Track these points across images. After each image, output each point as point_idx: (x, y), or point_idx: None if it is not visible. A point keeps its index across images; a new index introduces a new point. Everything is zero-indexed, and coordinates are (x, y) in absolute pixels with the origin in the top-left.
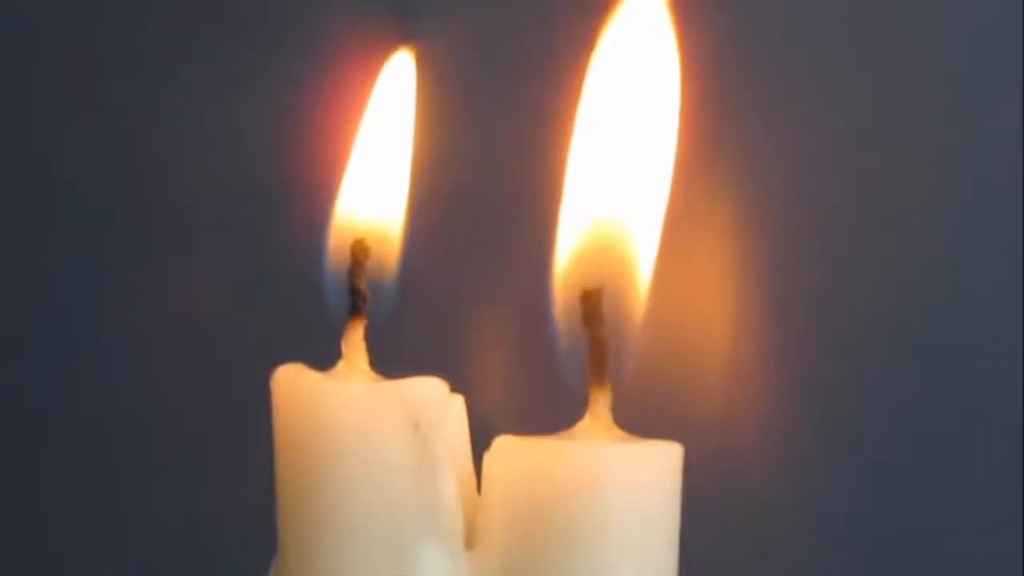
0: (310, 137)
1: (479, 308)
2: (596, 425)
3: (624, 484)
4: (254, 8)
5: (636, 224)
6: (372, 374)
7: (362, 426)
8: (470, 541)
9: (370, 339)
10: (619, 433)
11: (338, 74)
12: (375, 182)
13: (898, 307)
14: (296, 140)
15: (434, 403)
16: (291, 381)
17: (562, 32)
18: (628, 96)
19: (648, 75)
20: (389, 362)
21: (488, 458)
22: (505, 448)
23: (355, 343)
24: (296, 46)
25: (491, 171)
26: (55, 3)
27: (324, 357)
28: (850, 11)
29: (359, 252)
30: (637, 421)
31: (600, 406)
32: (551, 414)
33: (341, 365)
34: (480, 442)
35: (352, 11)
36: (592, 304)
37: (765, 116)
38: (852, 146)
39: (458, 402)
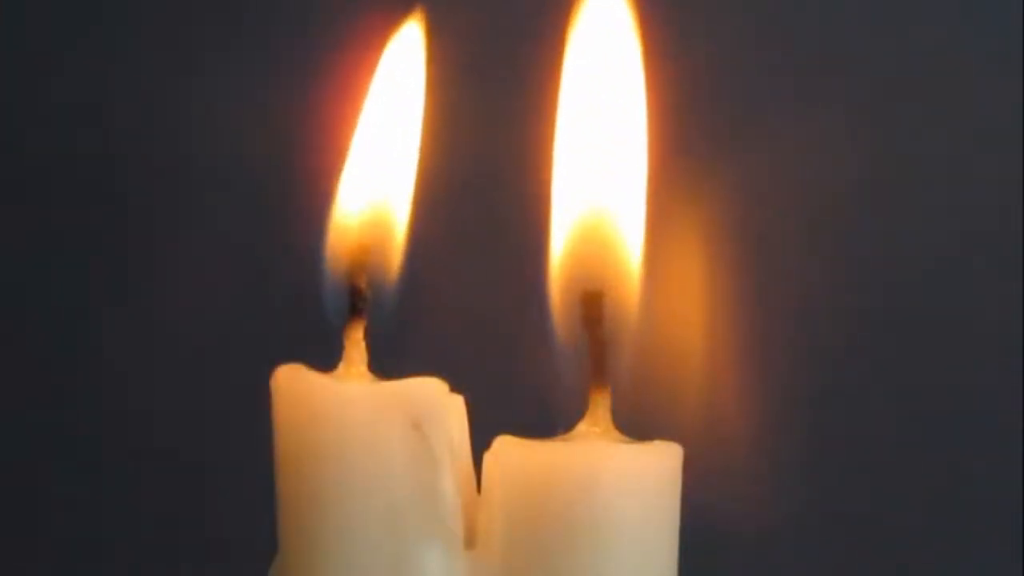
0: (313, 132)
1: (479, 308)
2: (596, 426)
3: (624, 484)
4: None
5: (624, 223)
6: (372, 374)
7: (362, 426)
8: (470, 541)
9: (370, 339)
10: (618, 435)
11: (343, 63)
12: (378, 175)
13: (885, 306)
14: (299, 136)
15: (434, 403)
16: (291, 381)
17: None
18: (600, 92)
19: (615, 70)
20: (389, 362)
21: (488, 458)
22: (505, 448)
23: (355, 343)
24: (296, 35)
25: (495, 167)
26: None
27: (324, 357)
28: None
29: (358, 252)
30: (633, 422)
31: (600, 408)
32: (551, 415)
33: (341, 365)
34: (480, 442)
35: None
36: (593, 306)
37: (751, 114)
38: (839, 144)
39: (458, 402)
